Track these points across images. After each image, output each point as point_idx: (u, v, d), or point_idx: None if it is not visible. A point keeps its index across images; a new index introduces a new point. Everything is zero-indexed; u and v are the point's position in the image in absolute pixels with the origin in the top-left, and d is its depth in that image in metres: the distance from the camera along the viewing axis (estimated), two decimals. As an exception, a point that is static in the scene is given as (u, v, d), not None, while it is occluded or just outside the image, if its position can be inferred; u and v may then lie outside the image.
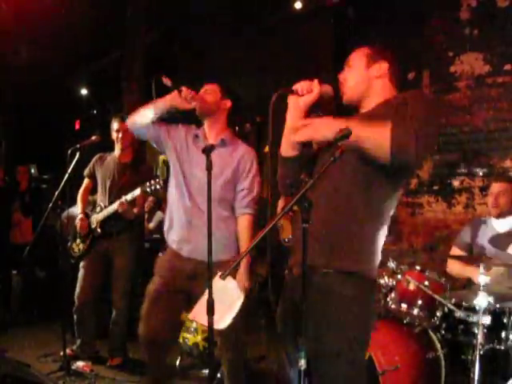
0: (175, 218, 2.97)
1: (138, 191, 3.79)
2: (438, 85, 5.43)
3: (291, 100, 2.12)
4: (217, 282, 2.55)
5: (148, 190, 3.68)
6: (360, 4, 5.79)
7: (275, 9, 6.53)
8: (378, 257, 2.04)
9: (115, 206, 3.96)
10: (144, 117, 2.91)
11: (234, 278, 2.85)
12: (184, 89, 2.73)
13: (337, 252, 1.96)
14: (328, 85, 2.12)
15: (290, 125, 2.13)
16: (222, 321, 2.68)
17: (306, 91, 2.08)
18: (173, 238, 2.99)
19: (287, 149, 2.16)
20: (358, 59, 2.12)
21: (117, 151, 4.23)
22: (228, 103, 2.97)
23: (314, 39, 6.34)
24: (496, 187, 3.62)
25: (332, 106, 2.19)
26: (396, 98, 2.02)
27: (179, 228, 2.94)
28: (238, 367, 3.04)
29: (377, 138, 1.82)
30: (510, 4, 4.91)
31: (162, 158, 7.80)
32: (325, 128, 1.90)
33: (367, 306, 2.00)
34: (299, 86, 2.09)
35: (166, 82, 2.69)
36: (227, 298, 2.69)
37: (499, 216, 3.59)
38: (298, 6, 6.15)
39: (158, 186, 3.65)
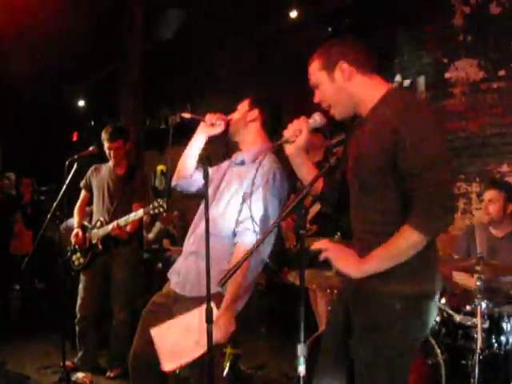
0: None
1: (140, 213, 3.79)
2: (433, 91, 5.46)
3: (287, 149, 2.05)
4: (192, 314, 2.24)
5: (151, 212, 3.66)
6: (356, 12, 5.82)
7: (273, 19, 6.58)
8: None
9: (110, 228, 3.97)
10: (185, 167, 2.74)
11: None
12: (207, 115, 2.61)
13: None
14: (315, 114, 2.04)
15: (301, 176, 2.11)
16: (170, 362, 2.25)
17: (295, 135, 2.01)
18: None
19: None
20: (317, 76, 2.04)
21: (111, 163, 4.24)
22: (255, 113, 2.64)
23: (310, 48, 6.37)
24: (486, 195, 3.62)
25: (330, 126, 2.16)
26: (393, 109, 1.85)
27: None
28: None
29: (401, 252, 1.81)
30: (502, 11, 4.96)
31: (160, 167, 7.80)
32: (343, 262, 1.91)
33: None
34: (287, 133, 2.01)
35: (185, 115, 2.61)
36: (190, 338, 2.22)
37: (491, 223, 3.60)
38: (293, 14, 6.19)
39: (161, 210, 3.59)
